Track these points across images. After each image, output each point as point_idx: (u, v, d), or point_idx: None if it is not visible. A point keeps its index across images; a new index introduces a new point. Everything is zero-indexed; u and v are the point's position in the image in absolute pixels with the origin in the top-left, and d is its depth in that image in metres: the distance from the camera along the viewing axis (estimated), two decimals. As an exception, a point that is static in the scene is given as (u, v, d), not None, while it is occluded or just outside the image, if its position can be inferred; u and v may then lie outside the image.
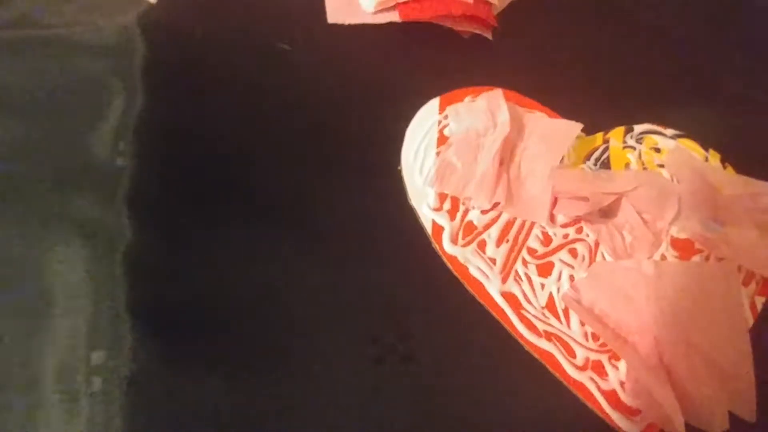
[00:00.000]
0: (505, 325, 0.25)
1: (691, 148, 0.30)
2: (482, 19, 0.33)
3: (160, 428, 0.20)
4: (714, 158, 0.30)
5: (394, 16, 0.32)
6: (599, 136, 0.30)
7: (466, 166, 0.27)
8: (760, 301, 0.26)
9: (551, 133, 0.28)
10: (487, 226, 0.27)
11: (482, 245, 0.26)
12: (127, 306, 0.21)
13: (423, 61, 0.31)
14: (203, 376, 0.21)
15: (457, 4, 0.32)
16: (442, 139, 0.28)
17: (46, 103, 0.25)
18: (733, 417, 0.23)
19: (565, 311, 0.25)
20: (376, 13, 0.32)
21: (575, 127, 0.28)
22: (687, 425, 0.23)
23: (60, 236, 0.22)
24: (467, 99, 0.29)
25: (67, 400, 0.20)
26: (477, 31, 0.33)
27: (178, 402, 0.20)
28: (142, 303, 0.22)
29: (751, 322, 0.26)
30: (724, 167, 0.29)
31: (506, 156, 0.28)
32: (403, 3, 0.32)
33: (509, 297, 0.25)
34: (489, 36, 0.33)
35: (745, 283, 0.27)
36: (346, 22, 0.32)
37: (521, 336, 0.24)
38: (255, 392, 0.21)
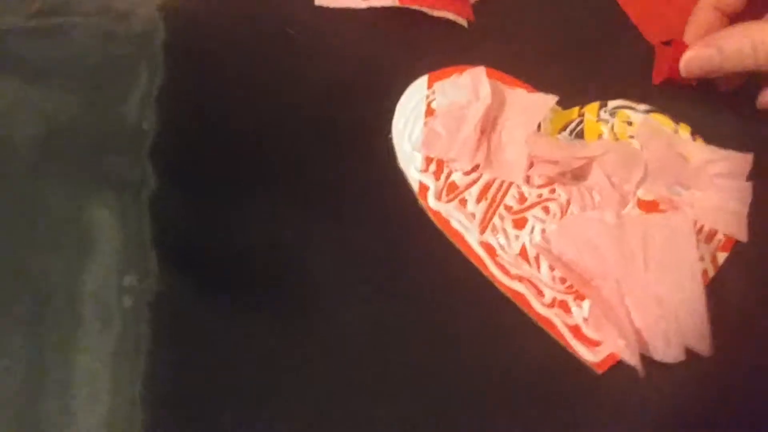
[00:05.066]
0: (482, 270, 0.27)
1: (661, 121, 0.32)
2: (458, 7, 0.34)
3: (180, 341, 0.24)
4: (684, 130, 0.32)
5: (392, 1, 0.33)
6: (575, 110, 0.32)
7: (451, 133, 0.30)
8: (722, 256, 0.28)
9: (529, 105, 0.31)
10: (468, 186, 0.29)
11: (463, 202, 0.29)
12: (153, 240, 0.26)
13: (414, 43, 0.34)
14: (215, 301, 0.25)
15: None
16: (430, 111, 0.31)
17: (81, 78, 0.30)
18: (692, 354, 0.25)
19: (536, 259, 0.28)
20: None
21: (551, 99, 0.30)
22: (644, 356, 0.25)
23: (95, 188, 0.27)
24: (453, 76, 0.32)
25: (102, 316, 0.24)
26: (451, 18, 0.34)
27: (195, 319, 0.24)
28: (165, 238, 0.26)
29: (711, 273, 0.28)
30: (694, 140, 0.31)
31: (487, 126, 0.30)
32: None
33: (486, 246, 0.28)
34: (464, 24, 0.34)
35: (708, 240, 0.29)
36: (332, 5, 0.34)
37: (495, 278, 0.27)
38: (258, 324, 0.25)
